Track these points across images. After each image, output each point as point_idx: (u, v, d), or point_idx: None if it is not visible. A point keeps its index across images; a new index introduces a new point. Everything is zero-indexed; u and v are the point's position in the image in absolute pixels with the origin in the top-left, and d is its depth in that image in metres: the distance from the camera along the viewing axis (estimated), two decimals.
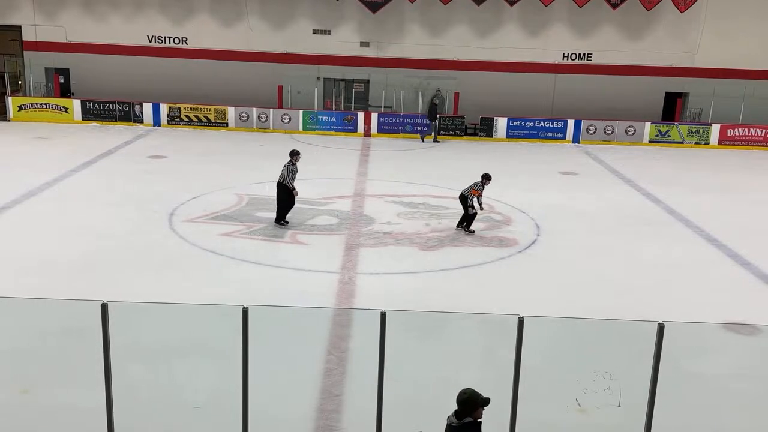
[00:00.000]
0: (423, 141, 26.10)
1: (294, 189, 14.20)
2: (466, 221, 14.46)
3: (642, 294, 11.45)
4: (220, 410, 7.34)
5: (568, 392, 7.70)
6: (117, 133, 25.14)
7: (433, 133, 26.16)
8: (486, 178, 14.61)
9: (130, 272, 11.54)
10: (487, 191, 17.90)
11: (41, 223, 14.14)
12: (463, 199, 14.41)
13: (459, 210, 14.56)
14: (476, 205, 14.46)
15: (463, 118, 26.84)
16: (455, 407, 5.47)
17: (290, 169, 14.23)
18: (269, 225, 14.39)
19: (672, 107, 27.96)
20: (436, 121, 26.08)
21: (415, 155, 23.54)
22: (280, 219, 14.35)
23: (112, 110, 26.76)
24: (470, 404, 5.36)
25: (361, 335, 9.32)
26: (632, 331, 8.51)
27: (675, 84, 28.24)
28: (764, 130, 26.75)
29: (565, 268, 12.64)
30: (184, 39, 28.35)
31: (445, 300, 10.79)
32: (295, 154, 14.44)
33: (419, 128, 26.55)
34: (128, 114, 26.77)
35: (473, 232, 14.38)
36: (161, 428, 7.28)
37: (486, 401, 5.38)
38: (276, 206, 14.42)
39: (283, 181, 14.19)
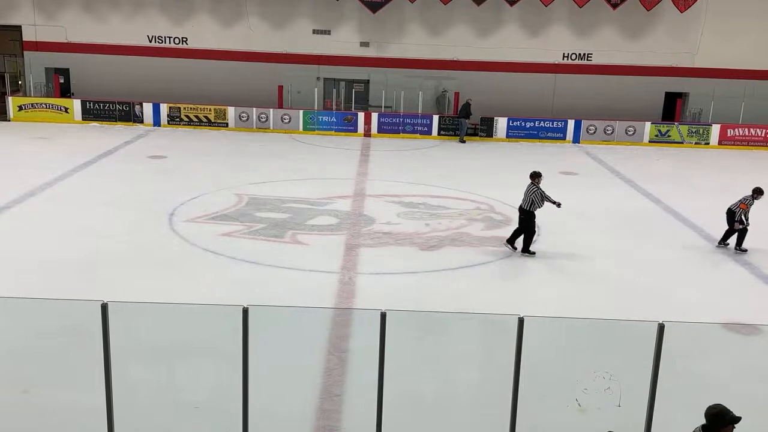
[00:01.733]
0: (464, 141, 26.19)
1: (556, 202, 13.13)
2: (738, 238, 13.57)
3: (642, 294, 11.45)
4: (220, 410, 7.34)
5: (568, 392, 7.70)
6: (117, 133, 25.14)
7: (463, 132, 26.25)
8: (757, 192, 13.58)
9: (130, 272, 11.53)
10: (488, 191, 17.96)
11: (41, 223, 14.14)
12: (731, 214, 13.62)
13: (458, 209, 14.56)
14: (744, 219, 13.51)
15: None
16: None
17: (537, 192, 12.99)
18: (269, 225, 14.39)
19: (672, 107, 27.96)
20: (467, 120, 26.15)
21: (415, 155, 23.55)
22: (526, 249, 13.11)
23: (112, 110, 26.76)
24: (720, 420, 5.25)
25: (361, 335, 9.32)
26: (632, 331, 8.50)
27: (675, 84, 28.24)
28: (764, 130, 26.75)
29: (565, 268, 12.64)
30: (184, 39, 28.36)
31: (445, 300, 10.79)
32: (536, 176, 13.17)
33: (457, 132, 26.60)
34: (128, 114, 26.78)
35: (746, 250, 13.49)
36: (161, 428, 7.28)
37: (736, 419, 5.26)
38: (518, 231, 13.25)
39: (528, 207, 12.99)
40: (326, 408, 7.70)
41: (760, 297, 11.74)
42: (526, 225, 13.08)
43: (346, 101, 28.21)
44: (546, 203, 13.15)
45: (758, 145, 26.62)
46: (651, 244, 14.25)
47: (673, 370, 6.85)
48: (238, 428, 6.37)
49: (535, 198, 12.98)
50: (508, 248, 13.24)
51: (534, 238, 13.31)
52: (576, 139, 26.77)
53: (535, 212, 13.09)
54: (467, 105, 26.00)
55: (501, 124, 26.81)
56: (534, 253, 13.11)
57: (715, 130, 26.71)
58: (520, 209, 13.22)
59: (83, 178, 18.25)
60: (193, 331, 8.86)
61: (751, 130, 26.78)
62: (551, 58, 28.27)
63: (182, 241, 13.34)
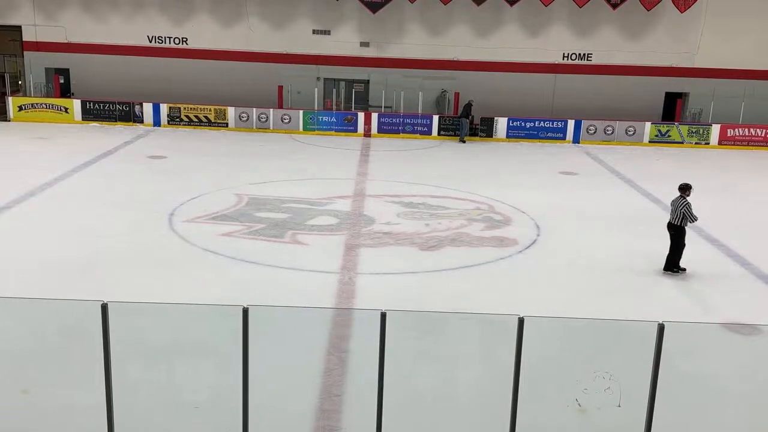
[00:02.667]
0: (464, 141, 26.17)
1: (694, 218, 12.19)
2: None
3: (642, 294, 11.44)
4: (220, 410, 7.33)
5: (568, 392, 7.69)
6: (117, 133, 25.14)
7: (464, 132, 26.26)
8: None
9: (131, 272, 11.53)
10: (487, 191, 17.96)
11: (41, 223, 14.13)
12: None
13: (458, 209, 14.55)
14: None
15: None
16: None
17: (687, 205, 12.14)
18: (269, 225, 14.38)
19: (672, 107, 27.97)
20: (467, 119, 26.13)
21: (415, 155, 23.55)
22: (672, 265, 12.26)
23: (112, 110, 26.76)
24: None
25: (361, 335, 9.31)
26: (632, 331, 8.50)
27: (675, 84, 28.25)
28: (764, 130, 26.75)
29: (565, 268, 12.63)
30: (184, 39, 28.36)
31: (445, 300, 10.79)
32: (686, 188, 12.31)
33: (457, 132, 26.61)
34: (128, 114, 26.78)
35: None
36: (161, 428, 7.28)
37: None
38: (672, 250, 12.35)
39: (679, 222, 12.14)
40: (326, 408, 7.69)
41: (760, 297, 11.74)
42: (676, 241, 12.25)
43: (346, 101, 28.21)
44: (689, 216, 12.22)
45: (758, 145, 26.62)
46: (651, 244, 14.22)
47: (673, 370, 6.85)
48: (238, 428, 6.37)
49: (686, 212, 12.11)
50: (672, 273, 12.27)
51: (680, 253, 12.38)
52: (576, 139, 26.77)
53: (686, 227, 12.25)
54: (469, 105, 26.02)
55: (501, 124, 26.81)
56: (683, 270, 12.28)
57: (715, 130, 26.71)
58: (669, 225, 12.37)
59: (83, 178, 18.25)
60: (193, 331, 8.85)
61: (751, 130, 26.78)
62: (551, 58, 28.27)
63: (182, 241, 13.34)
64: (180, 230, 13.92)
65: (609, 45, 28.04)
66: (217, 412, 7.41)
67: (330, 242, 13.57)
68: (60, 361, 8.51)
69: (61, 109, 26.70)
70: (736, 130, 26.77)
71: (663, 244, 14.22)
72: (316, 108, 27.55)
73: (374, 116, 26.91)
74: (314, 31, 28.25)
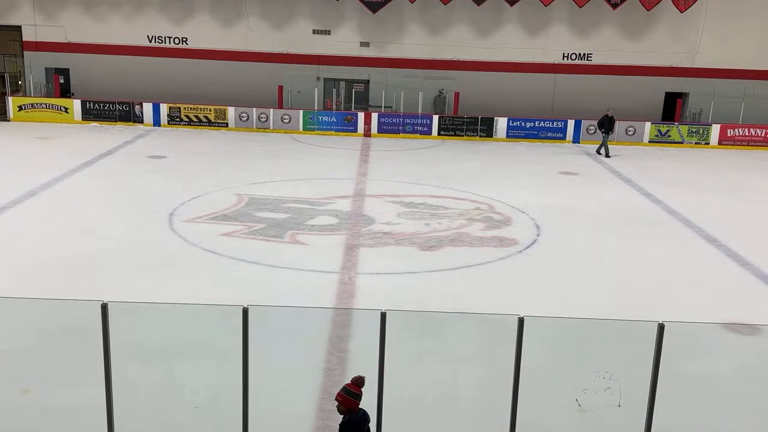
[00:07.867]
0: (600, 153, 24.25)
1: None
2: None
3: (642, 294, 11.44)
4: (220, 410, 7.33)
5: (568, 392, 7.70)
6: (117, 133, 25.14)
7: (603, 145, 24.32)
8: None
9: (130, 272, 11.53)
10: (487, 191, 17.96)
11: (41, 223, 14.13)
12: None
13: (458, 209, 14.54)
14: None
15: (464, 117, 26.84)
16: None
17: None
18: (269, 225, 14.38)
19: (672, 107, 27.97)
20: (609, 134, 24.32)
21: (415, 155, 23.54)
22: None
23: (112, 110, 26.76)
24: None
25: (361, 335, 9.31)
26: (632, 331, 8.50)
27: (675, 84, 28.25)
28: (764, 130, 26.75)
29: (565, 268, 12.63)
30: (184, 39, 28.36)
31: (445, 300, 10.79)
32: None
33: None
34: (128, 114, 26.78)
35: None
36: (161, 428, 7.28)
37: None
38: None
39: None
40: (326, 408, 7.69)
41: (760, 297, 11.74)
42: None
43: (346, 101, 28.22)
44: None
45: (758, 145, 26.62)
46: (651, 243, 14.25)
47: (673, 370, 6.85)
48: (238, 428, 6.37)
49: None
50: None
51: None
52: (576, 139, 26.77)
53: None
54: (607, 118, 24.18)
55: (501, 124, 26.80)
56: None
57: (715, 130, 26.71)
58: None
59: (83, 178, 18.25)
60: (193, 331, 8.86)
61: (751, 130, 26.78)
62: (551, 58, 28.27)
63: (182, 241, 13.33)
64: (180, 230, 13.92)
65: (609, 45, 28.04)
66: (217, 412, 7.42)
67: (330, 242, 13.57)
68: (60, 361, 8.52)
69: (61, 109, 26.70)
70: (736, 130, 26.78)
71: (663, 244, 14.25)
72: (316, 108, 27.55)
73: (374, 116, 26.91)
74: (314, 31, 28.25)
